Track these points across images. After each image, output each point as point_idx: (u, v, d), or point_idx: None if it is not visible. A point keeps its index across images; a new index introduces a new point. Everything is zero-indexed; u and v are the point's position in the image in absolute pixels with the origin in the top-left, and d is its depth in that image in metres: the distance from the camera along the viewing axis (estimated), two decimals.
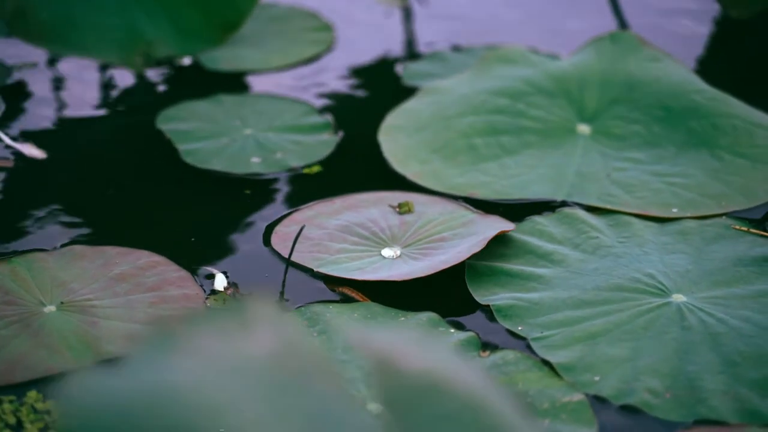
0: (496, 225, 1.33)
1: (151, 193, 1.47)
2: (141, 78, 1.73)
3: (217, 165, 1.50)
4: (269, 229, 1.37)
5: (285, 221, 1.38)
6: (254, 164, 1.50)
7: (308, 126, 1.59)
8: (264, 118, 1.60)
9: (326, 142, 1.56)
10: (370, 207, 1.39)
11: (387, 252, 1.32)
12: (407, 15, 1.95)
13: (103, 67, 1.75)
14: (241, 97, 1.66)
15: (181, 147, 1.53)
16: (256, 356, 0.72)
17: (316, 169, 1.50)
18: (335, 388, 0.71)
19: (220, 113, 1.61)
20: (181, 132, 1.57)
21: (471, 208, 1.39)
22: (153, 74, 1.74)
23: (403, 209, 1.38)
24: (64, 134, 1.60)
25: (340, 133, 1.57)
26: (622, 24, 1.88)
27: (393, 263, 1.29)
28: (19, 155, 1.51)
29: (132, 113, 1.66)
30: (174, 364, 0.68)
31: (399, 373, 0.74)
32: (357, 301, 1.25)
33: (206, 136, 1.56)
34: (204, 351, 0.70)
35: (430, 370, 0.76)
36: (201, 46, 1.68)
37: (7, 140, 1.51)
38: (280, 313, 0.76)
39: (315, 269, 1.28)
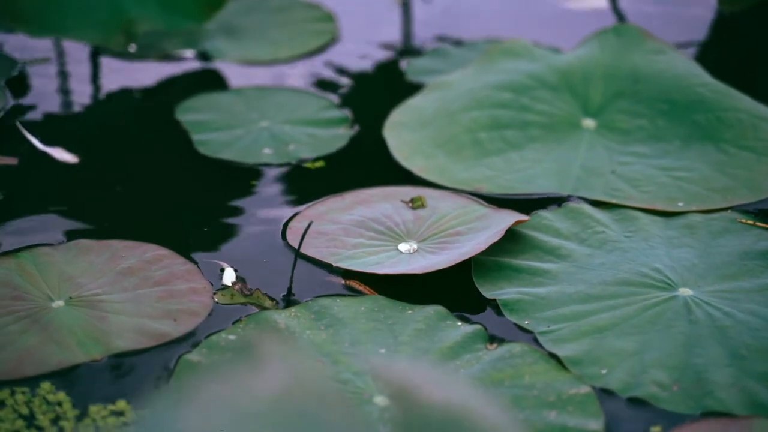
0: (510, 218, 1.33)
1: (159, 184, 1.47)
2: (151, 71, 1.73)
3: (229, 155, 1.51)
4: (277, 223, 1.37)
5: (298, 217, 1.38)
6: (265, 155, 1.51)
7: (325, 120, 1.59)
8: (283, 111, 1.61)
9: (340, 136, 1.57)
10: (382, 202, 1.40)
11: (404, 246, 1.32)
12: (406, 8, 1.95)
13: (111, 55, 1.76)
14: (263, 89, 1.67)
15: (196, 137, 1.55)
16: (267, 397, 0.71)
17: (318, 164, 1.50)
18: (349, 419, 0.71)
19: (240, 105, 1.62)
20: (199, 122, 1.58)
21: (483, 202, 1.39)
22: (162, 68, 1.74)
23: (416, 204, 1.38)
24: (75, 127, 1.60)
25: (356, 128, 1.58)
26: (620, 18, 1.88)
27: (411, 257, 1.29)
28: (49, 158, 1.51)
29: (149, 104, 1.67)
30: (185, 416, 0.67)
31: (419, 405, 0.74)
32: (364, 294, 1.25)
33: (223, 126, 1.57)
34: (213, 398, 0.70)
35: (450, 403, 0.76)
36: (186, 23, 1.68)
37: (39, 145, 1.50)
38: (287, 348, 0.76)
39: (334, 264, 1.28)
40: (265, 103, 1.63)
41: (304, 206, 1.40)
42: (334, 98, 1.66)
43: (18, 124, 1.52)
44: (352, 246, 1.31)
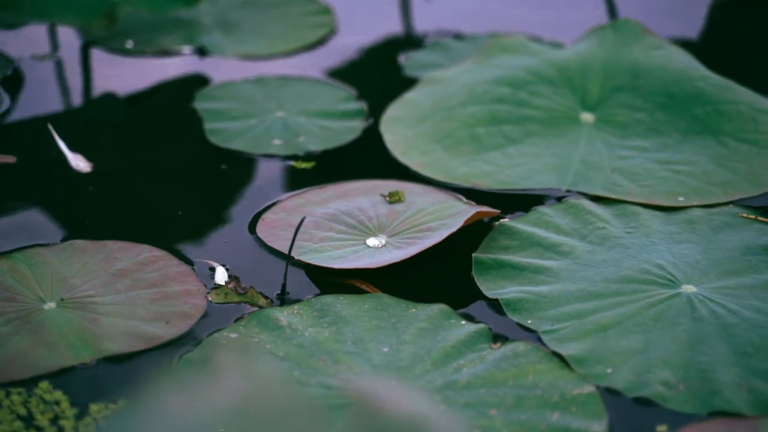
0: (474, 209, 1.31)
1: (162, 178, 1.46)
2: (148, 67, 1.72)
3: (238, 145, 1.52)
4: (257, 217, 1.37)
5: (274, 208, 1.38)
6: (274, 146, 1.51)
7: (340, 112, 1.59)
8: (300, 102, 1.61)
9: (352, 128, 1.56)
10: (361, 196, 1.39)
11: (372, 241, 1.31)
12: (405, 1, 1.94)
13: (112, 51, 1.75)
14: (285, 79, 1.67)
15: (209, 126, 1.55)
16: (227, 408, 0.70)
17: (306, 164, 1.48)
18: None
19: (260, 94, 1.62)
20: (215, 111, 1.58)
21: (463, 198, 1.38)
22: (159, 63, 1.73)
23: (393, 199, 1.37)
24: (73, 124, 1.59)
25: (370, 120, 1.56)
26: (612, 12, 1.87)
27: (375, 252, 1.28)
28: (46, 157, 1.49)
29: (148, 100, 1.66)
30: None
31: (380, 416, 0.73)
32: (368, 292, 1.24)
33: (238, 116, 1.57)
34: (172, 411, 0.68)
35: (411, 415, 0.75)
36: (173, 6, 1.67)
37: (64, 147, 1.48)
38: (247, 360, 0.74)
39: (295, 257, 1.27)
40: (284, 93, 1.63)
41: (284, 196, 1.40)
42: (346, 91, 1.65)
43: (49, 126, 1.50)
44: (320, 239, 1.31)
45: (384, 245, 1.30)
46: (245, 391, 0.71)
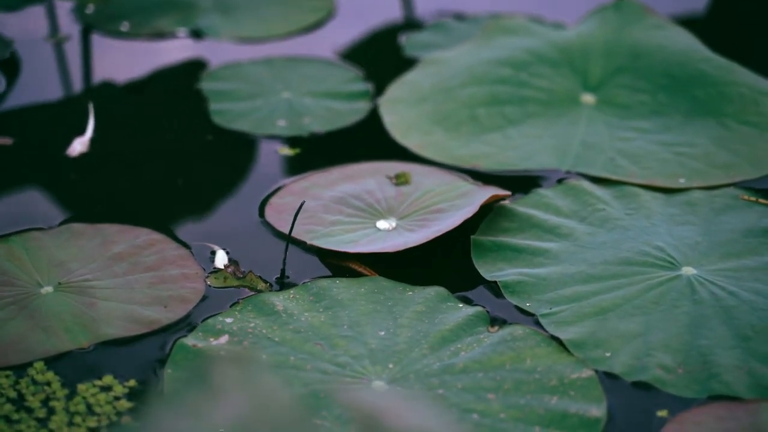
0: (488, 192, 1.31)
1: (163, 160, 1.46)
2: (143, 49, 1.71)
3: (243, 126, 1.51)
4: (265, 201, 1.36)
5: (280, 192, 1.37)
6: (278, 127, 1.51)
7: (346, 93, 1.58)
8: (308, 83, 1.60)
9: (357, 110, 1.55)
10: (367, 177, 1.38)
11: (382, 224, 1.30)
12: None
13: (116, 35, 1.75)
14: (294, 60, 1.66)
15: (214, 106, 1.55)
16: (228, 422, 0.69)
17: (291, 151, 1.48)
18: None
19: (268, 75, 1.62)
20: (221, 92, 1.58)
21: (469, 179, 1.38)
22: (155, 46, 1.72)
23: (400, 180, 1.37)
24: (72, 108, 1.59)
25: (377, 100, 1.55)
26: None
27: (387, 235, 1.28)
28: (44, 139, 1.48)
29: (146, 83, 1.65)
30: None
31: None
32: (364, 275, 1.23)
33: (244, 96, 1.57)
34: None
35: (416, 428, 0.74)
36: None
37: (90, 129, 1.47)
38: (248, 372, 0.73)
39: (308, 242, 1.27)
40: (292, 73, 1.62)
41: (288, 180, 1.39)
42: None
43: (89, 105, 1.49)
44: (330, 223, 1.30)
45: (394, 228, 1.29)
46: (245, 402, 0.71)
